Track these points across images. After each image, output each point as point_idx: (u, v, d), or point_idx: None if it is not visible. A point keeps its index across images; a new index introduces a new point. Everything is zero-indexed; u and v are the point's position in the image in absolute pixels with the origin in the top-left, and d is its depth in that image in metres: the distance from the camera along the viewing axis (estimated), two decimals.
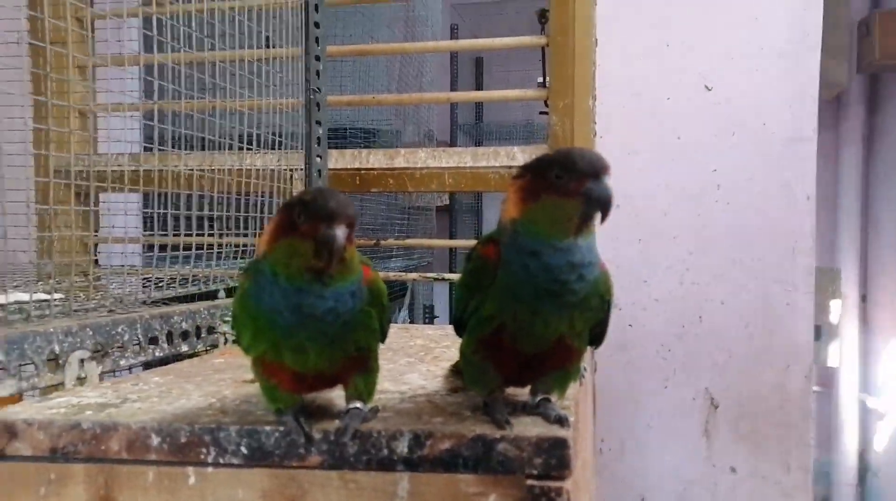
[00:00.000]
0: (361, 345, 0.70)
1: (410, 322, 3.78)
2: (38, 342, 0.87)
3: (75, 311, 1.04)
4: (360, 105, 2.19)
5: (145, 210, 1.89)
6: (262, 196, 1.64)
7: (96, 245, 1.97)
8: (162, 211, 1.45)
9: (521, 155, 2.02)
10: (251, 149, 1.61)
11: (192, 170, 1.58)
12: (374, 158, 2.09)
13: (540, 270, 0.66)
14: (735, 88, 1.94)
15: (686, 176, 1.96)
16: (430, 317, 4.32)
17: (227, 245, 1.59)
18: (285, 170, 1.74)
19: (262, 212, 1.68)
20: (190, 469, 0.70)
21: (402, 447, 0.67)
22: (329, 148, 1.84)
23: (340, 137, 3.96)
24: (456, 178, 2.04)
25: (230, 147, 1.64)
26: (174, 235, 1.53)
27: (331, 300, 0.65)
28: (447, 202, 4.89)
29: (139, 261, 1.94)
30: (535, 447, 0.65)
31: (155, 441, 0.71)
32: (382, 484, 0.67)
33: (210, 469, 0.70)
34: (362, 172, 2.07)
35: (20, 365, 0.84)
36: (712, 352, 1.94)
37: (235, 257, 1.63)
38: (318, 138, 1.73)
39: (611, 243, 1.95)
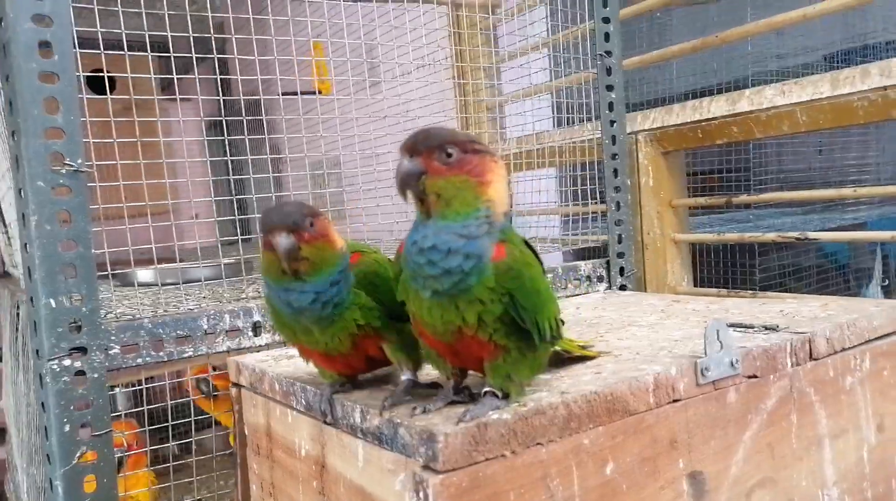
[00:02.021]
0: (360, 323, 0.80)
1: (885, 297, 3.02)
2: None
3: None
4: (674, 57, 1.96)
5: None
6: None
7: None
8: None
9: None
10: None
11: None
12: (716, 106, 1.88)
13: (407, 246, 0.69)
14: None
15: None
16: None
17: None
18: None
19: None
20: (288, 410, 0.96)
21: (357, 418, 0.77)
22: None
23: (861, 55, 3.41)
24: (811, 114, 1.68)
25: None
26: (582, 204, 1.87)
27: (311, 294, 0.78)
28: None
29: (558, 233, 2.25)
30: (420, 436, 0.67)
31: (276, 386, 0.99)
32: (352, 446, 0.79)
33: (294, 412, 0.94)
34: (703, 123, 1.89)
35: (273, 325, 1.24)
36: None
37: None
38: (611, 104, 1.70)
39: None
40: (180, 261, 1.58)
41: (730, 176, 2.82)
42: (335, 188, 2.29)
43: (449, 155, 0.67)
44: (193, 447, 1.35)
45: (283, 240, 0.75)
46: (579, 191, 1.92)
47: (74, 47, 1.05)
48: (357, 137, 1.69)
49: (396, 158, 1.98)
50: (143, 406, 1.22)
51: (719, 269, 2.76)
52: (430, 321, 0.70)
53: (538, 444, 0.70)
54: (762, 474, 0.88)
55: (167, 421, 1.26)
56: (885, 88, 1.53)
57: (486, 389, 0.71)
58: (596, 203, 1.84)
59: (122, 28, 1.19)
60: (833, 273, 3.13)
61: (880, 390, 1.02)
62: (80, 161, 1.05)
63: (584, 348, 0.92)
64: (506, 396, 0.71)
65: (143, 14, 1.24)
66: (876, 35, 3.31)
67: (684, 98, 2.03)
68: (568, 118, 1.99)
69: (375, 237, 1.96)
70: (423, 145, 0.68)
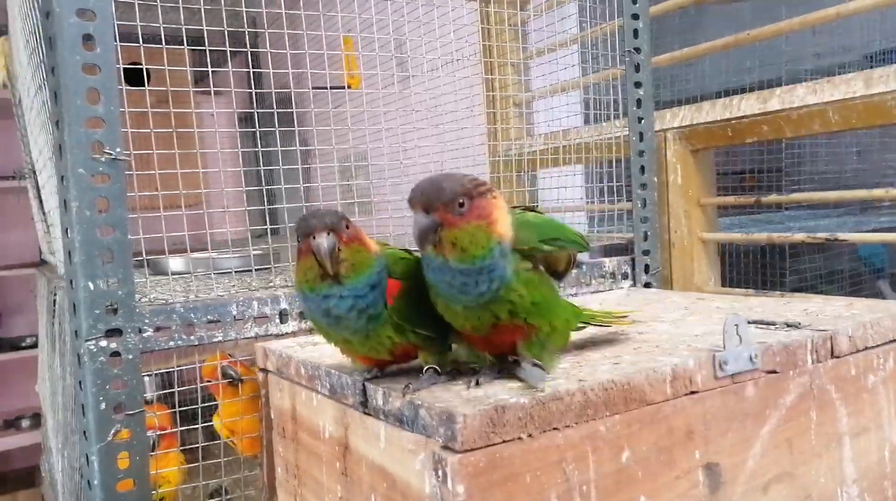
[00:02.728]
0: (396, 341, 0.81)
1: None
2: None
3: None
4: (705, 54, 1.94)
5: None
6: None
7: None
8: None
9: None
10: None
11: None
12: (746, 104, 1.87)
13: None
14: None
15: None
16: None
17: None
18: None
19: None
20: (313, 394, 0.99)
21: (380, 400, 0.80)
22: None
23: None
24: (843, 113, 1.66)
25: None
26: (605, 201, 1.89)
27: (350, 299, 0.77)
28: None
29: (584, 229, 2.27)
30: (439, 417, 0.69)
31: (302, 371, 1.02)
32: (375, 427, 0.81)
33: (318, 396, 0.97)
34: (733, 122, 1.88)
35: (300, 312, 1.27)
36: None
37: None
38: (639, 100, 1.70)
39: None
40: (211, 251, 1.63)
41: (769, 176, 2.79)
42: (363, 181, 2.34)
43: (461, 205, 0.71)
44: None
45: (325, 240, 0.75)
46: (605, 188, 1.93)
47: (115, 40, 1.09)
48: (385, 131, 1.73)
49: (425, 153, 2.02)
50: (173, 389, 1.26)
51: (749, 270, 2.74)
52: (464, 323, 0.74)
53: (555, 429, 0.72)
54: (780, 468, 0.88)
55: (196, 405, 1.30)
56: None
57: (525, 362, 0.75)
58: (622, 201, 1.84)
59: (161, 22, 1.24)
60: (867, 277, 3.08)
61: None
62: (118, 149, 1.09)
63: (617, 317, 0.99)
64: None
65: (181, 8, 1.29)
66: None
67: (717, 97, 2.02)
68: (597, 115, 1.99)
69: (401, 231, 1.99)
70: (438, 201, 0.71)
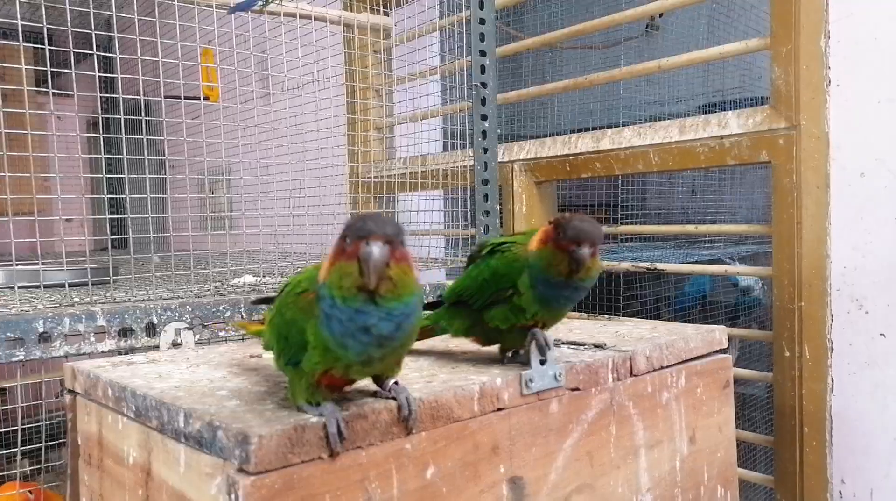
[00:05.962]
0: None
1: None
2: (138, 314, 1.22)
3: None
4: (533, 97, 2.09)
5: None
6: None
7: None
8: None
9: (735, 122, 1.69)
10: None
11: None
12: (582, 143, 2.01)
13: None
14: None
15: None
16: None
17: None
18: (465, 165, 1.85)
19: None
20: (119, 417, 0.93)
21: (182, 421, 0.77)
22: None
23: (720, 109, 3.70)
24: (662, 155, 1.82)
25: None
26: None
27: (397, 318, 0.68)
28: None
29: (442, 253, 2.29)
30: (235, 438, 0.67)
31: (109, 392, 0.96)
32: (175, 451, 0.78)
33: (125, 419, 0.92)
34: (570, 157, 2.01)
35: (119, 330, 1.19)
36: None
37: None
38: (484, 132, 1.78)
39: (855, 223, 1.46)
40: (41, 262, 1.50)
41: (613, 209, 3.01)
42: (221, 195, 2.25)
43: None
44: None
45: (377, 250, 0.66)
46: (460, 213, 2.00)
47: None
48: (245, 146, 1.68)
49: (285, 170, 1.96)
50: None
51: (592, 296, 2.93)
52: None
53: (358, 448, 0.72)
54: (581, 480, 0.94)
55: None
56: (721, 137, 1.70)
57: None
58: (467, 227, 1.91)
59: None
60: (690, 304, 3.39)
61: (693, 405, 1.13)
62: None
63: None
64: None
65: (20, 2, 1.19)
66: (733, 93, 3.66)
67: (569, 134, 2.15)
68: (453, 143, 2.06)
69: (259, 248, 1.93)
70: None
